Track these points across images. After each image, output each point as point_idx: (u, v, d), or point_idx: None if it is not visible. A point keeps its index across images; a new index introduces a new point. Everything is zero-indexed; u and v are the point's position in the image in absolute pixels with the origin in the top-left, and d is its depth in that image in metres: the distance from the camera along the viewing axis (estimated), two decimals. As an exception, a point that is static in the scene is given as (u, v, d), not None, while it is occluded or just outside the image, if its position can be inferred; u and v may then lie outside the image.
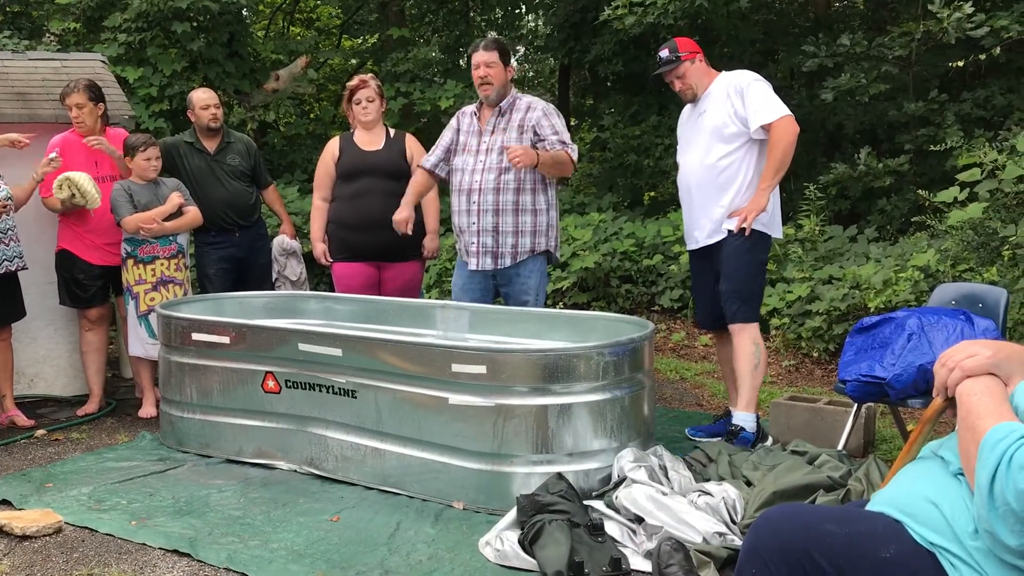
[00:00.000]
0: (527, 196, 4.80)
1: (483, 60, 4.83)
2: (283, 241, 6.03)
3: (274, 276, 6.06)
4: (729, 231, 4.53)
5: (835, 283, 6.55)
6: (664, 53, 4.72)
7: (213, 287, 5.74)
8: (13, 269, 5.12)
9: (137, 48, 9.64)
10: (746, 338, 4.57)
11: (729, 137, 4.52)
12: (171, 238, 5.34)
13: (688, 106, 4.84)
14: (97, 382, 5.55)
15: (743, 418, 4.55)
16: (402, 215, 4.99)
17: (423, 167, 5.07)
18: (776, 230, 4.68)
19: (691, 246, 4.82)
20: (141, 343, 5.32)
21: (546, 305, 7.52)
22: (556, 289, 7.89)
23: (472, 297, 5.02)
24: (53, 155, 5.23)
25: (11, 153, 5.29)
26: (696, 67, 4.68)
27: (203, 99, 5.80)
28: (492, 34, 14.66)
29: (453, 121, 5.08)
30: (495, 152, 4.79)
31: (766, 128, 4.43)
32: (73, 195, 5.18)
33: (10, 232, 5.08)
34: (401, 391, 4.03)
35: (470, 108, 5.06)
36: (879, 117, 9.02)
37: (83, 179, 5.19)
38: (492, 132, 4.85)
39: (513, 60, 4.90)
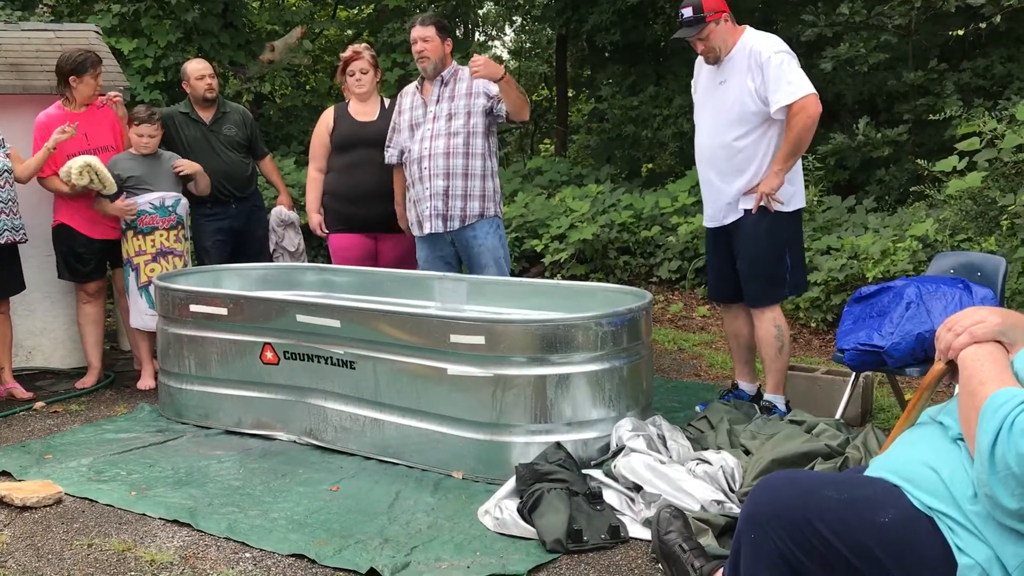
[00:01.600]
0: (476, 161, 4.90)
1: (419, 35, 4.95)
2: (281, 212, 6.01)
3: (272, 247, 6.04)
4: (746, 211, 4.35)
5: (833, 253, 6.55)
6: (687, 12, 4.30)
7: (210, 259, 5.73)
8: (16, 240, 5.10)
9: (131, 19, 9.56)
10: (768, 321, 4.42)
11: (748, 116, 4.26)
12: (170, 209, 5.32)
13: (707, 65, 4.48)
14: (95, 354, 5.54)
15: (774, 399, 4.45)
16: (402, 217, 5.26)
17: (391, 163, 5.20)
18: (800, 201, 4.43)
19: (707, 222, 4.64)
20: (141, 315, 5.32)
21: (544, 277, 7.52)
22: (554, 261, 7.88)
23: (437, 269, 5.06)
24: (68, 126, 5.17)
25: (5, 127, 5.24)
26: (721, 28, 4.29)
27: (198, 69, 5.75)
28: (490, 6, 14.57)
29: (396, 104, 5.20)
30: (443, 119, 4.92)
31: (787, 108, 4.17)
32: (92, 180, 5.14)
33: (11, 204, 5.05)
34: (400, 362, 4.03)
35: (411, 86, 5.17)
36: (878, 87, 8.98)
37: (100, 164, 5.15)
38: (438, 101, 4.97)
39: (450, 35, 5.02)
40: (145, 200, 5.26)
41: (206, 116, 5.77)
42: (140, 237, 5.28)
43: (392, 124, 5.19)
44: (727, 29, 4.33)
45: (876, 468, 2.06)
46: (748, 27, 4.41)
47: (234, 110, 5.97)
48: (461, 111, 4.90)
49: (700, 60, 4.57)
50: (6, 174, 5.04)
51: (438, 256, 5.07)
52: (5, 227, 5.03)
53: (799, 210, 4.45)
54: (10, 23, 7.30)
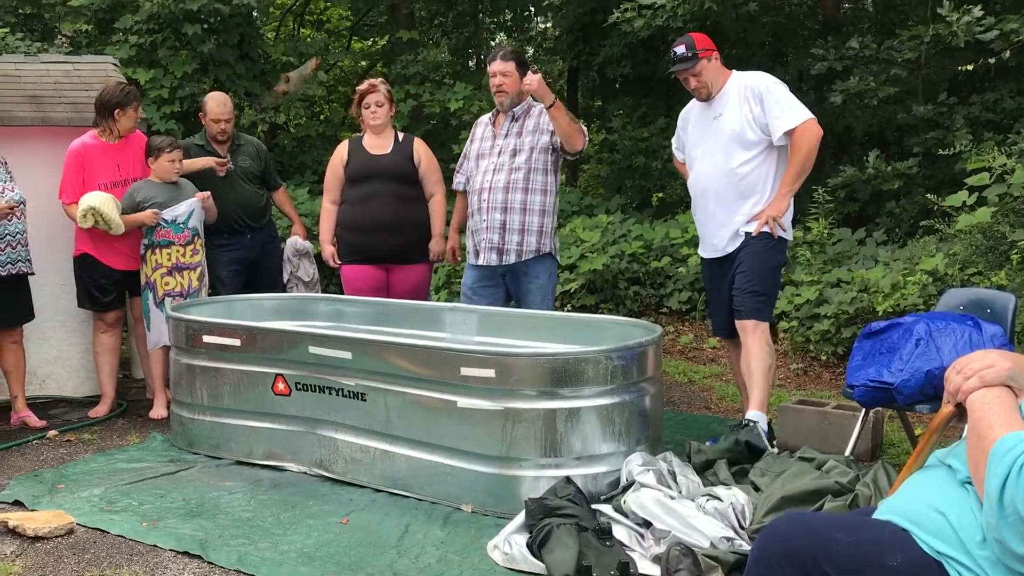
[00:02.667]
0: (536, 196, 4.98)
1: (499, 69, 5.04)
2: (295, 242, 6.06)
3: (286, 277, 6.09)
4: (747, 233, 4.47)
5: (843, 286, 6.55)
6: (680, 49, 4.56)
7: (225, 289, 5.77)
8: (25, 271, 5.16)
9: (148, 50, 9.68)
10: (759, 338, 4.47)
11: (749, 143, 4.43)
12: (183, 224, 5.36)
13: (698, 105, 4.70)
14: (110, 384, 5.58)
15: (756, 415, 4.43)
16: (449, 244, 5.49)
17: (457, 191, 5.37)
18: (788, 233, 4.60)
19: (707, 254, 4.74)
20: (158, 331, 5.35)
21: (554, 308, 7.55)
22: (564, 291, 7.90)
23: (483, 298, 5.11)
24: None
25: (24, 159, 5.32)
26: (712, 65, 4.55)
27: (215, 112, 5.78)
28: (502, 37, 14.70)
29: (471, 132, 5.34)
30: (507, 154, 5.01)
31: (789, 134, 4.36)
32: (97, 222, 5.21)
33: (20, 236, 5.11)
34: (410, 394, 4.05)
35: (486, 117, 5.28)
36: (888, 120, 9.01)
37: (107, 206, 5.20)
38: (506, 136, 5.07)
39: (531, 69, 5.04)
40: (162, 214, 5.33)
41: (221, 148, 5.84)
42: (157, 251, 5.33)
43: (464, 151, 5.33)
44: (717, 67, 4.59)
45: (885, 511, 2.07)
46: (735, 70, 4.64)
47: (248, 142, 6.04)
48: (525, 147, 5.00)
49: (686, 109, 4.80)
50: (22, 205, 5.10)
51: (486, 285, 5.16)
52: (16, 258, 5.07)
53: (787, 243, 4.62)
54: (30, 55, 7.41)
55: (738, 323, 4.56)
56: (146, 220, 5.29)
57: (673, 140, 5.02)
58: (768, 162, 4.46)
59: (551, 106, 4.79)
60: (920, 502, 2.00)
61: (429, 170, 5.49)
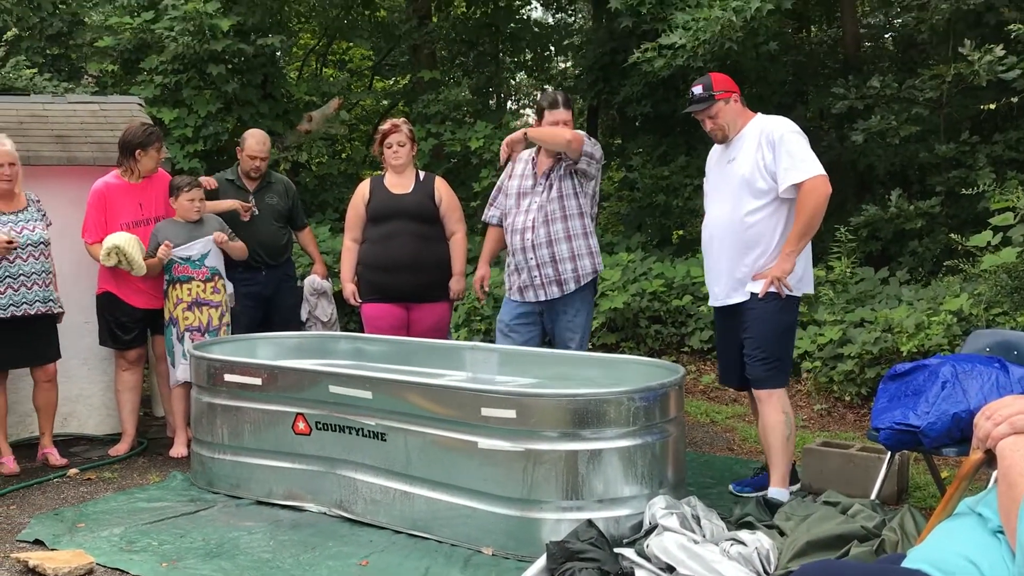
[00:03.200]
0: (575, 222, 5.00)
1: (563, 118, 5.00)
2: (314, 281, 6.09)
3: (305, 316, 6.10)
4: (753, 294, 4.32)
5: (867, 326, 6.50)
6: (697, 89, 4.44)
7: (239, 324, 5.77)
8: (57, 311, 5.20)
9: (173, 89, 9.80)
10: (775, 406, 4.34)
11: (758, 192, 4.28)
12: (198, 262, 5.40)
13: (718, 147, 4.58)
14: (131, 421, 5.60)
15: (778, 493, 4.32)
16: (479, 274, 5.45)
17: (489, 224, 5.35)
18: (807, 286, 4.46)
19: (712, 302, 4.62)
20: (182, 367, 5.36)
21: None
22: (585, 330, 7.87)
23: (520, 335, 5.11)
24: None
25: (50, 198, 5.38)
26: (730, 107, 4.40)
27: (253, 149, 5.88)
28: (522, 76, 14.80)
29: (508, 167, 5.28)
30: (546, 192, 5.01)
31: (796, 187, 4.20)
32: (120, 262, 5.26)
33: (47, 276, 5.15)
34: (430, 434, 4.04)
35: (527, 153, 5.21)
36: (910, 159, 8.98)
37: (130, 246, 5.25)
38: (547, 177, 5.04)
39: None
40: (175, 252, 5.36)
41: (251, 185, 5.94)
42: (178, 286, 5.38)
43: (499, 184, 5.31)
44: (736, 109, 4.43)
45: (914, 560, 2.03)
46: (759, 113, 4.49)
47: (279, 180, 6.14)
48: (555, 179, 5.01)
49: (713, 150, 4.65)
50: (42, 246, 5.14)
51: (524, 323, 5.13)
52: (47, 297, 5.11)
53: (799, 299, 4.45)
54: (57, 95, 7.51)
55: (753, 391, 4.48)
56: (159, 254, 5.33)
57: (704, 182, 4.82)
58: (778, 214, 4.29)
59: (525, 138, 4.82)
60: (951, 551, 1.96)
61: (450, 208, 5.51)
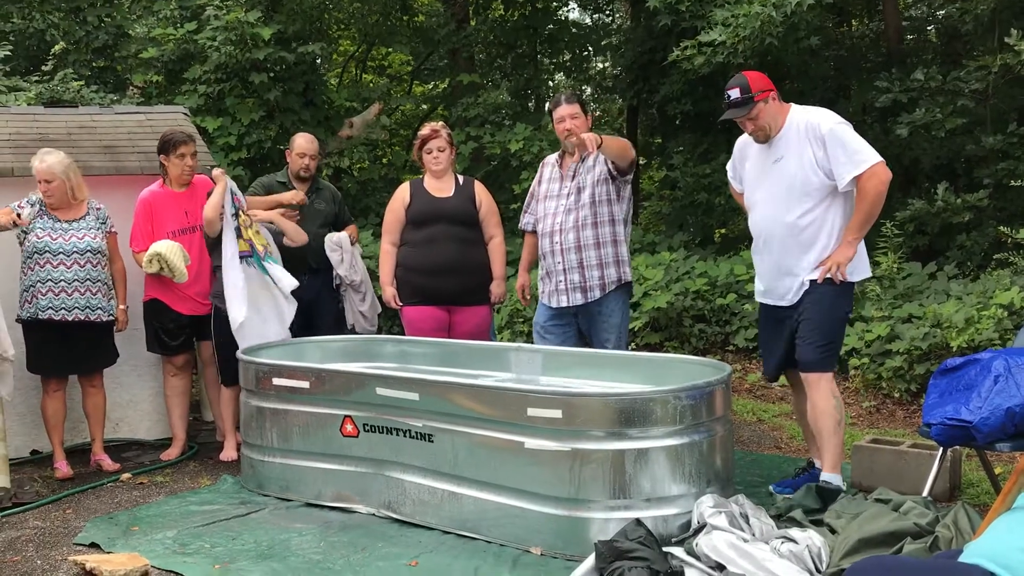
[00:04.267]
0: (605, 228, 5.01)
1: (568, 113, 5.06)
2: (332, 236, 5.99)
3: (350, 321, 6.11)
4: (812, 281, 4.29)
5: (915, 322, 6.42)
6: (734, 93, 4.31)
7: None
8: (104, 319, 5.29)
9: (216, 99, 9.94)
10: (825, 391, 4.30)
11: (812, 190, 4.21)
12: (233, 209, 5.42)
13: (756, 145, 4.46)
14: (181, 427, 5.68)
15: (831, 477, 4.29)
16: (520, 282, 5.53)
17: (525, 231, 5.41)
18: (864, 272, 4.42)
19: (767, 300, 4.56)
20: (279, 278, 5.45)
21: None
22: (629, 329, 7.84)
23: (556, 336, 5.11)
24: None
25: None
26: (770, 107, 4.29)
27: (302, 147, 5.99)
28: (560, 77, 14.79)
29: (537, 173, 5.36)
30: (574, 195, 5.03)
31: (856, 179, 4.13)
32: (161, 269, 5.34)
33: (94, 284, 5.23)
34: (477, 435, 4.05)
35: (552, 157, 5.29)
36: (956, 151, 8.85)
37: (173, 253, 5.34)
38: (573, 177, 5.08)
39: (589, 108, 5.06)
40: None
41: (301, 187, 6.00)
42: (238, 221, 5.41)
43: (531, 191, 5.37)
44: (775, 108, 4.33)
45: (972, 554, 2.01)
46: (794, 104, 4.41)
47: (326, 187, 6.24)
48: (588, 183, 5.02)
49: (743, 140, 4.58)
50: (88, 254, 5.22)
51: (558, 324, 5.16)
52: (98, 305, 5.20)
53: (854, 286, 4.43)
54: (104, 106, 7.65)
55: (801, 375, 4.43)
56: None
57: (728, 166, 4.79)
58: (833, 209, 4.23)
59: (600, 145, 4.73)
60: (1010, 545, 1.93)
61: (489, 212, 5.53)
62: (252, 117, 9.79)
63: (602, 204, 5.01)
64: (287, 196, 5.83)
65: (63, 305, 5.14)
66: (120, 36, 10.92)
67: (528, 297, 5.60)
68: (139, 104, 9.15)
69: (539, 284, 5.25)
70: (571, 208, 5.02)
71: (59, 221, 5.21)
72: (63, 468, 5.24)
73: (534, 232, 5.31)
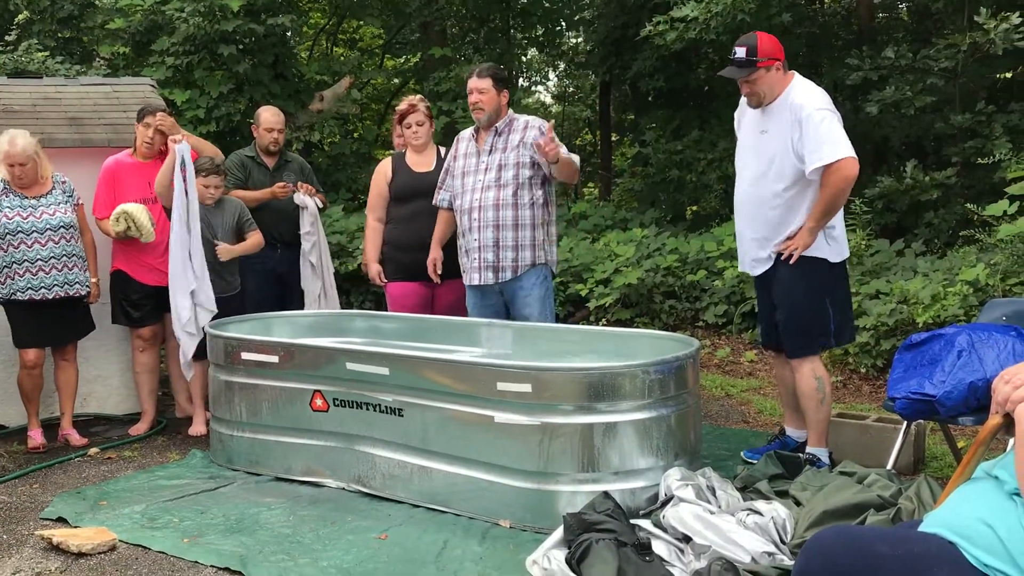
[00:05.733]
0: (526, 211, 4.92)
1: (475, 86, 4.98)
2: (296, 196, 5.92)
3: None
4: (778, 258, 4.32)
5: (882, 298, 6.48)
6: (740, 52, 4.24)
7: (254, 301, 5.79)
8: (83, 293, 5.24)
9: (184, 71, 9.82)
10: (807, 372, 4.36)
11: (788, 171, 4.21)
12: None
13: (751, 109, 4.42)
14: (150, 402, 5.65)
15: (817, 451, 4.39)
16: (432, 256, 5.25)
17: (440, 207, 5.22)
18: (842, 252, 4.38)
19: (740, 267, 4.69)
20: None
21: (589, 322, 7.52)
22: (599, 306, 7.88)
23: (485, 316, 5.10)
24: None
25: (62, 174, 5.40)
26: (771, 75, 4.23)
27: (269, 121, 5.98)
28: (533, 52, 14.73)
29: (452, 149, 5.22)
30: (493, 170, 4.95)
31: (823, 168, 4.10)
32: (128, 228, 5.29)
33: (69, 259, 5.17)
34: (447, 409, 4.06)
35: (467, 132, 5.21)
36: (925, 130, 8.92)
37: (139, 212, 5.29)
38: (490, 152, 5.00)
39: (511, 84, 5.03)
40: None
41: (269, 162, 6.01)
42: None
43: (446, 167, 5.22)
44: (776, 77, 4.27)
45: (931, 524, 2.04)
46: (796, 75, 4.34)
47: (294, 160, 6.24)
48: (511, 162, 4.93)
49: (744, 108, 4.57)
50: (61, 230, 5.15)
51: (487, 304, 5.11)
52: (54, 282, 5.13)
53: (843, 261, 4.42)
54: (69, 78, 7.53)
55: (789, 359, 4.50)
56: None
57: (736, 113, 4.69)
58: (805, 193, 4.22)
59: (556, 163, 4.74)
60: (967, 515, 1.96)
61: None
62: (221, 90, 9.69)
63: (524, 187, 4.91)
64: (259, 195, 5.82)
65: (42, 284, 5.09)
66: (86, 6, 10.74)
67: (439, 273, 5.33)
68: (106, 76, 9.02)
69: (461, 263, 5.12)
70: (490, 185, 4.93)
71: (26, 198, 5.13)
72: (37, 437, 5.21)
73: (450, 208, 5.16)
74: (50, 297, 5.12)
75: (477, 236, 4.93)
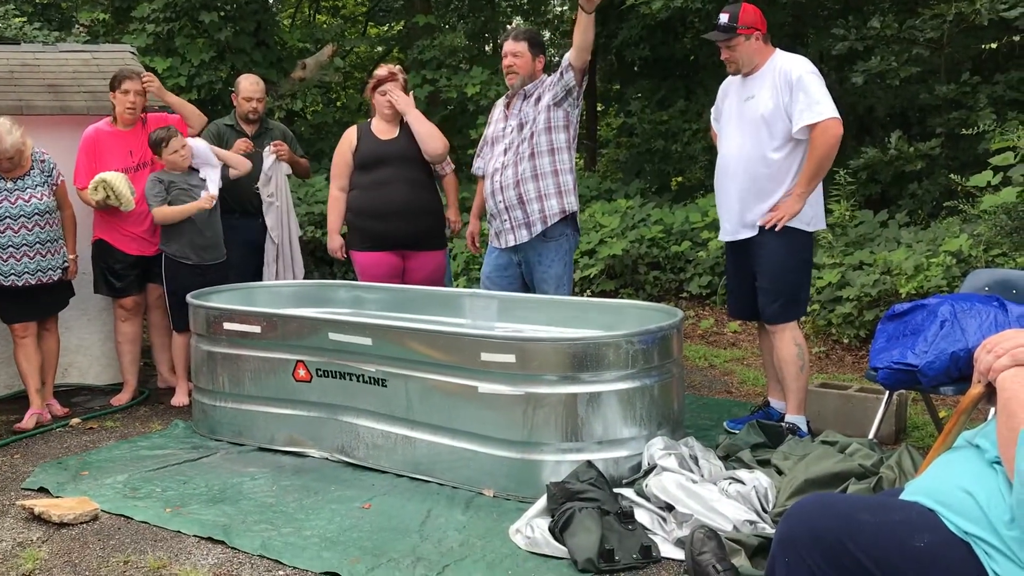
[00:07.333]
0: (544, 159, 4.87)
1: (511, 50, 4.96)
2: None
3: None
4: (762, 228, 4.36)
5: (866, 268, 6.50)
6: (724, 18, 4.39)
7: (236, 270, 5.74)
8: (56, 279, 5.17)
9: (165, 38, 9.71)
10: (788, 339, 4.43)
11: (777, 132, 4.28)
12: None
13: (734, 80, 4.56)
14: (132, 372, 5.62)
15: (796, 419, 4.45)
16: (470, 229, 5.48)
17: (476, 175, 5.28)
18: (819, 223, 4.48)
19: (722, 236, 4.68)
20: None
21: (574, 293, 7.52)
22: (583, 276, 7.88)
23: (499, 287, 5.07)
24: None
25: (44, 148, 5.30)
26: (750, 44, 4.36)
27: (248, 90, 5.92)
28: (518, 20, 14.63)
29: (488, 116, 5.27)
30: (516, 131, 4.93)
31: (809, 128, 4.21)
32: (108, 196, 5.23)
33: (46, 246, 5.08)
34: (431, 379, 4.05)
35: (502, 100, 5.19)
36: (910, 100, 8.91)
37: (119, 181, 5.23)
38: (518, 116, 4.98)
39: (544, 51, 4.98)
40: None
41: (249, 130, 5.95)
42: None
43: (483, 136, 5.25)
44: (756, 47, 4.39)
45: (912, 492, 2.05)
46: (779, 50, 4.46)
47: (275, 127, 6.18)
48: (530, 116, 4.90)
49: (727, 81, 4.64)
50: (36, 216, 5.04)
51: (503, 274, 5.10)
52: (37, 268, 5.06)
53: (813, 236, 4.50)
54: (47, 44, 7.43)
55: (767, 326, 4.55)
56: (204, 205, 5.32)
57: (712, 109, 4.83)
58: (794, 155, 4.29)
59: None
60: (948, 482, 1.97)
61: None
62: (202, 57, 9.59)
63: (540, 134, 4.85)
64: (226, 154, 5.68)
65: (23, 270, 5.01)
66: (65, -29, 10.61)
67: (478, 245, 5.54)
68: (85, 43, 8.90)
69: (488, 228, 5.20)
70: (509, 145, 4.93)
71: (4, 180, 5.02)
72: (44, 415, 5.18)
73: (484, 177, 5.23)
74: (32, 282, 5.05)
75: (502, 197, 4.92)
